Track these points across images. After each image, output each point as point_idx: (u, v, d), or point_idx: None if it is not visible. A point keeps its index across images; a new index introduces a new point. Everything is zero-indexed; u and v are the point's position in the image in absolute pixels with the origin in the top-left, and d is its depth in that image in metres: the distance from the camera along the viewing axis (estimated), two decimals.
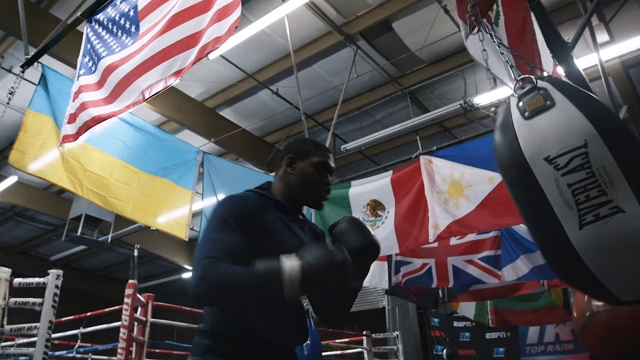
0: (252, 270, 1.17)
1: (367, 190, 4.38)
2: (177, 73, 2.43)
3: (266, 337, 1.33)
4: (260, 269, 1.17)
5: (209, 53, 2.35)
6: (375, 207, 4.30)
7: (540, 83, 1.42)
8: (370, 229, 4.30)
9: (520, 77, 1.49)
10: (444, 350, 7.27)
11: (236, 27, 2.26)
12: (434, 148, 4.24)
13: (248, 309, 1.28)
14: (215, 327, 1.34)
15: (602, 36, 5.17)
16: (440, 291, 6.20)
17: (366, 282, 5.48)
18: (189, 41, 2.43)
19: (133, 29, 2.84)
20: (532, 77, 1.46)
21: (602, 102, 1.44)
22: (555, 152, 1.30)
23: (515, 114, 1.41)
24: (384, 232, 4.13)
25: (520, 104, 1.42)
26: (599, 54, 3.53)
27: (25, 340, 4.37)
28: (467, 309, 6.62)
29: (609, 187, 1.25)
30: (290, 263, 1.16)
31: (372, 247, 1.46)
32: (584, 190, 1.27)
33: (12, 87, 3.48)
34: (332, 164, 1.58)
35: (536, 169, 1.33)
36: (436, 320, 7.90)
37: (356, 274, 1.40)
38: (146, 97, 2.57)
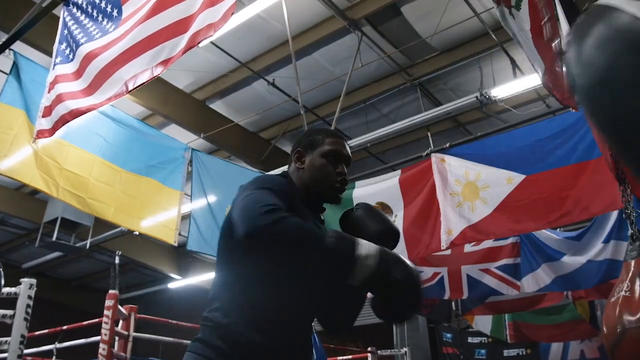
0: (327, 233, 1.20)
1: (373, 192, 4.38)
2: (165, 62, 2.43)
3: (272, 350, 1.33)
4: (338, 236, 1.20)
5: (201, 41, 2.35)
6: (382, 210, 4.29)
7: None
8: None
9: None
10: None
11: (232, 13, 2.26)
12: (447, 145, 4.24)
13: (308, 269, 1.30)
14: (221, 330, 1.33)
15: None
16: (453, 303, 6.19)
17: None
18: (178, 27, 2.42)
19: (115, 13, 2.84)
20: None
21: None
22: None
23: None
24: None
25: None
26: None
27: None
28: (482, 323, 6.61)
29: None
30: (366, 243, 1.19)
31: (393, 232, 1.47)
32: None
33: None
34: (347, 152, 1.58)
35: None
36: (449, 335, 7.89)
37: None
38: (129, 88, 2.57)
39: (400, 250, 4.12)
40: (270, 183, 1.39)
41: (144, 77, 2.49)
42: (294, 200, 1.40)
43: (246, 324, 1.32)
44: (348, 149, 1.60)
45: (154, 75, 2.46)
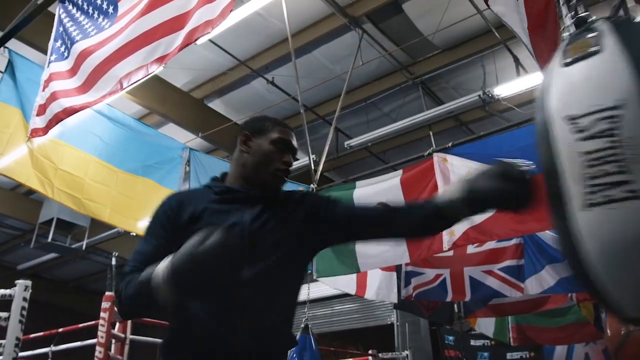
0: (140, 277, 1.26)
1: (374, 192, 4.37)
2: (160, 59, 2.43)
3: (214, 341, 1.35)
4: (142, 275, 1.25)
5: (198, 39, 2.35)
6: None
7: (598, 24, 1.28)
8: None
9: (577, 16, 1.37)
10: None
11: (231, 10, 2.25)
12: (449, 145, 4.23)
13: (156, 316, 1.44)
14: (166, 338, 1.44)
15: None
16: (455, 305, 6.18)
17: (372, 296, 5.49)
18: (175, 23, 2.42)
19: (111, 10, 2.84)
20: (588, 14, 1.34)
21: None
22: (582, 110, 1.17)
23: (557, 59, 1.30)
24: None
25: (567, 47, 1.30)
26: None
27: None
28: (485, 325, 6.60)
29: (632, 165, 1.10)
30: (163, 263, 1.20)
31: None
32: (600, 163, 1.13)
33: None
34: (294, 144, 1.59)
35: (555, 129, 1.22)
36: (451, 338, 7.88)
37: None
38: (124, 86, 2.57)
39: (402, 252, 4.11)
40: (152, 217, 1.51)
41: (139, 75, 2.49)
42: (195, 204, 1.45)
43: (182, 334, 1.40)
44: (295, 140, 1.61)
45: (149, 73, 2.46)
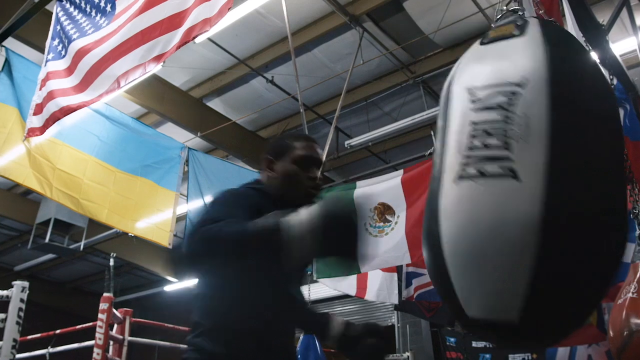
0: (250, 223, 1.19)
1: (375, 192, 4.37)
2: (158, 58, 2.43)
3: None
4: (260, 220, 1.19)
5: (196, 37, 2.35)
6: (384, 211, 4.29)
7: (527, 16, 1.32)
8: (378, 235, 4.28)
9: (511, 8, 1.40)
10: None
11: (229, 8, 2.25)
12: None
13: (237, 267, 1.31)
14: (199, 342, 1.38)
15: None
16: None
17: (373, 297, 5.49)
18: (172, 22, 2.42)
19: (108, 8, 2.84)
20: (519, 8, 1.37)
21: (594, 61, 1.29)
22: (484, 82, 1.15)
23: (479, 40, 1.32)
24: (393, 239, 4.12)
25: (491, 30, 1.32)
26: (638, 37, 3.51)
27: None
28: None
29: (517, 142, 1.04)
30: (303, 216, 1.16)
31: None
32: (485, 135, 1.07)
33: None
34: (318, 155, 1.58)
35: (453, 97, 1.20)
36: (452, 339, 7.87)
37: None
38: (122, 85, 2.57)
39: (403, 252, 4.11)
40: (235, 199, 1.42)
41: (137, 74, 2.50)
42: (266, 209, 1.41)
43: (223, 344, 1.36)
44: (319, 151, 1.59)
45: (147, 71, 2.47)
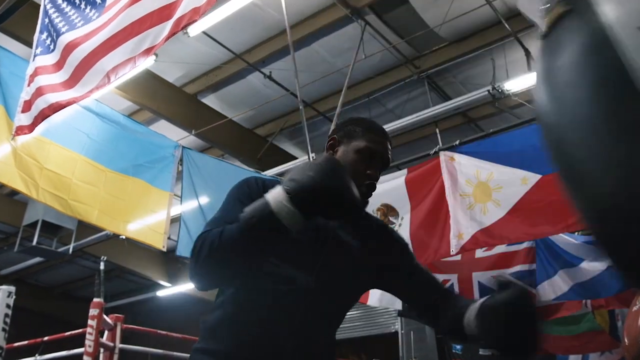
0: (239, 219, 1.19)
1: (378, 193, 4.30)
2: (148, 51, 2.44)
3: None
4: (246, 211, 1.18)
5: (185, 26, 2.36)
6: (387, 212, 4.29)
7: None
8: None
9: None
10: None
11: None
12: (457, 142, 4.23)
13: (255, 266, 1.28)
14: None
15: None
16: None
17: (376, 302, 5.48)
18: (162, 13, 2.43)
19: (99, 0, 2.84)
20: None
21: None
22: None
23: None
24: None
25: None
26: None
27: None
28: None
29: None
30: (273, 191, 1.17)
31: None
32: None
33: None
34: (386, 154, 1.51)
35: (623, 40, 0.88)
36: (458, 347, 7.88)
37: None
38: (112, 80, 2.57)
39: None
40: (239, 191, 1.41)
41: (127, 68, 2.50)
42: None
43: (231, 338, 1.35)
44: (389, 151, 1.52)
45: (137, 65, 2.47)
